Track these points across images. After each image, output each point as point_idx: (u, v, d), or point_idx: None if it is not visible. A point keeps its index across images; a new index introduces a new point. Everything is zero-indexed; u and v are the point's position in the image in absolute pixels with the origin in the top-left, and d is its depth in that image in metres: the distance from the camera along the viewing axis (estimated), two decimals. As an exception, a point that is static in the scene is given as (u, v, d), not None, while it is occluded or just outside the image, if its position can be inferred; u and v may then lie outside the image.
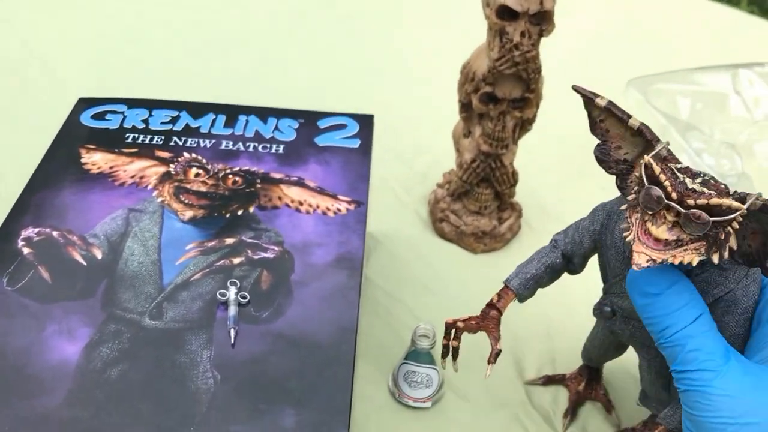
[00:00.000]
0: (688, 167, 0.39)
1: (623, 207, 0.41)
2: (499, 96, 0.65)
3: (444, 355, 0.50)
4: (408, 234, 0.76)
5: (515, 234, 0.76)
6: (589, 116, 0.46)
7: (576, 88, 0.46)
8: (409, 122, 0.89)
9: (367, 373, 0.62)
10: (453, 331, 0.50)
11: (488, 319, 0.49)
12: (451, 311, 0.67)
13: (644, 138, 0.43)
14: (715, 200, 0.37)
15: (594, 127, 0.46)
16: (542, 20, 0.61)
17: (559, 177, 0.83)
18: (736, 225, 0.37)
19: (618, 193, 0.47)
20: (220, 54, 1.00)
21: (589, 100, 0.45)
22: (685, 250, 0.37)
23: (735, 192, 0.38)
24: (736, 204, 0.37)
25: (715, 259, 0.38)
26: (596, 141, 0.46)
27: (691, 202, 0.37)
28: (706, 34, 1.09)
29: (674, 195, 0.38)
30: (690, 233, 0.37)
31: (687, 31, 1.10)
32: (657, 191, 0.38)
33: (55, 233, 0.52)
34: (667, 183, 0.38)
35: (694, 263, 0.37)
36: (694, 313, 0.40)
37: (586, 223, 0.49)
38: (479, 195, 0.72)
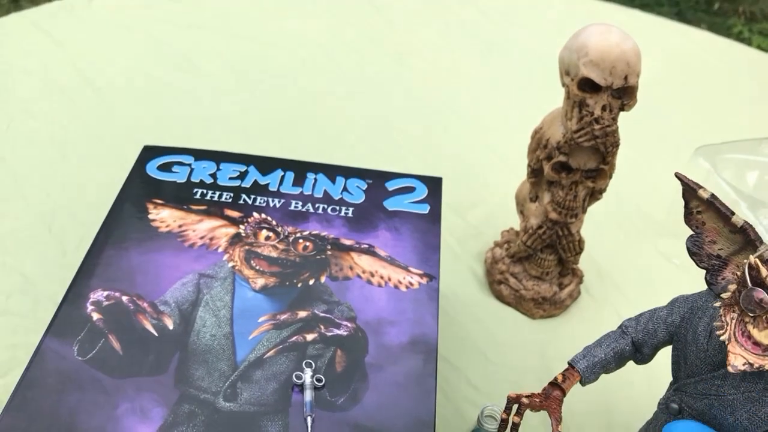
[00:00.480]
0: None
1: (717, 304, 0.40)
2: (574, 166, 0.63)
3: (502, 430, 0.48)
4: (464, 294, 0.74)
5: (575, 300, 0.74)
6: (686, 206, 0.45)
7: (679, 176, 0.45)
8: (461, 174, 0.87)
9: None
10: (516, 406, 0.48)
11: (551, 399, 0.47)
12: (509, 382, 0.66)
13: (746, 237, 0.41)
14: None
15: (689, 218, 0.45)
16: (624, 95, 0.60)
17: (618, 245, 0.81)
18: None
19: (697, 288, 0.46)
20: (273, 93, 0.98)
21: (691, 190, 0.44)
22: None
23: None
24: None
25: None
26: (688, 231, 0.45)
27: None
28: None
29: None
30: None
31: (756, 98, 1.07)
32: (762, 294, 0.37)
33: (124, 298, 0.51)
34: None
35: None
36: None
37: (664, 313, 0.48)
38: (542, 261, 0.71)
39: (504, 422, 0.48)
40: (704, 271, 0.44)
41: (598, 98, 0.59)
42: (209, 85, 0.98)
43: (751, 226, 0.41)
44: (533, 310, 0.72)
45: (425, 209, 0.61)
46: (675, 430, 0.42)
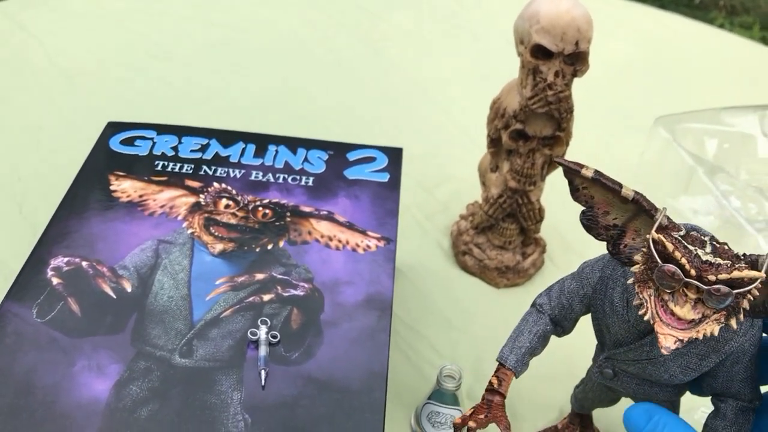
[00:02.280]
0: (690, 231, 0.38)
1: (630, 281, 0.39)
2: (530, 134, 0.65)
3: None
4: (430, 265, 0.75)
5: (538, 269, 0.75)
6: (570, 184, 0.43)
7: (557, 161, 0.43)
8: (430, 151, 0.89)
9: (390, 410, 0.61)
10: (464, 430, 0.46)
11: (494, 408, 0.45)
12: (473, 348, 0.67)
13: (640, 207, 0.40)
14: (736, 274, 0.36)
15: (576, 195, 0.43)
16: (576, 60, 0.61)
17: (579, 213, 0.82)
18: (756, 292, 0.36)
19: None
20: (246, 79, 1.00)
21: (573, 171, 0.41)
22: (707, 323, 0.36)
23: (744, 255, 0.37)
24: (755, 273, 0.36)
25: (734, 324, 0.37)
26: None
27: (711, 277, 0.36)
28: (735, 72, 1.08)
29: (693, 272, 0.36)
30: (713, 306, 0.36)
31: (716, 69, 1.09)
32: (674, 269, 0.37)
33: (84, 263, 0.52)
34: (683, 260, 0.37)
35: (716, 333, 0.36)
36: None
37: (574, 286, 0.46)
38: (504, 230, 0.72)
39: None
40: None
41: (551, 64, 0.61)
42: (180, 70, 0.99)
43: (642, 195, 0.40)
44: (497, 279, 0.73)
45: (385, 178, 0.62)
46: (634, 414, 0.42)
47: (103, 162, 0.60)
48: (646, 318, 0.38)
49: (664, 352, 0.36)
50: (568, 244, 0.78)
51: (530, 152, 0.66)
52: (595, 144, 0.89)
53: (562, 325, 0.47)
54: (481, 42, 1.10)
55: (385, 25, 1.13)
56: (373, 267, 0.55)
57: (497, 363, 0.46)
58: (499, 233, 0.72)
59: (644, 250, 0.39)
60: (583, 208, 0.43)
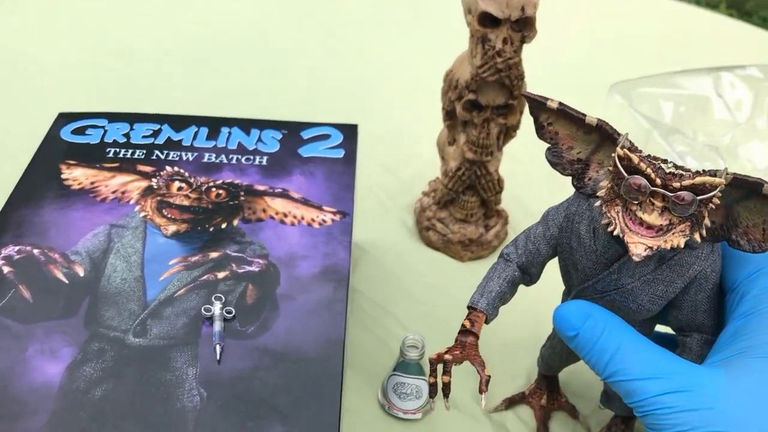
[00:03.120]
0: (650, 155, 0.40)
1: (597, 203, 0.41)
2: (483, 103, 0.65)
3: (433, 394, 0.46)
4: (394, 243, 0.75)
5: (502, 241, 0.75)
6: (536, 121, 0.46)
7: (524, 94, 0.45)
8: (394, 132, 0.89)
9: (355, 385, 0.61)
10: (441, 366, 0.46)
11: (468, 347, 0.46)
12: (439, 321, 0.67)
13: (603, 133, 0.42)
14: (699, 179, 0.38)
15: (542, 132, 0.46)
16: (524, 27, 0.61)
17: (543, 184, 0.82)
18: (716, 200, 0.38)
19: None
20: (201, 65, 1.00)
21: (539, 104, 0.44)
22: (673, 233, 0.38)
23: (704, 171, 0.39)
24: (717, 180, 0.38)
25: (697, 237, 0.39)
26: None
27: (676, 185, 0.38)
28: (687, 38, 1.09)
29: (658, 181, 0.38)
30: (678, 215, 0.38)
31: (669, 36, 1.10)
32: (641, 180, 0.38)
33: (35, 251, 0.52)
34: (648, 170, 0.38)
35: (682, 245, 0.38)
36: (613, 344, 0.42)
37: (540, 230, 0.48)
38: (465, 203, 0.72)
39: (433, 386, 0.46)
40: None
41: (498, 32, 0.61)
42: (137, 62, 0.99)
43: (605, 122, 0.42)
44: (461, 252, 0.73)
45: (340, 154, 0.62)
46: (566, 312, 0.43)
47: (55, 152, 0.60)
48: (615, 233, 0.39)
49: (636, 258, 0.38)
50: (531, 214, 0.78)
51: (485, 122, 0.66)
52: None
53: (530, 272, 0.48)
54: (434, 18, 1.11)
55: (341, 8, 1.13)
56: (329, 240, 0.55)
57: (468, 308, 0.47)
58: (461, 206, 0.72)
59: (610, 168, 0.40)
60: (548, 145, 0.45)
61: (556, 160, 0.45)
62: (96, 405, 0.43)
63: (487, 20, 0.60)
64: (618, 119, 0.76)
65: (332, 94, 0.95)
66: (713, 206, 0.38)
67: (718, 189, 0.38)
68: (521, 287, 0.49)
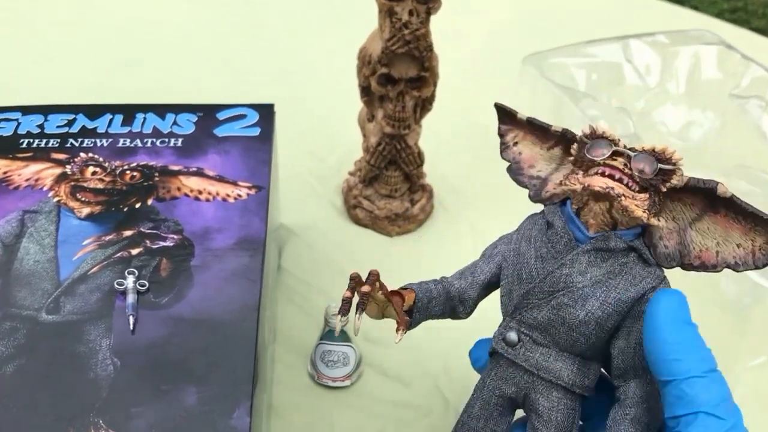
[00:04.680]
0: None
1: (557, 182, 0.43)
2: (396, 76, 0.66)
3: (345, 311, 0.41)
4: (323, 223, 0.76)
5: (428, 215, 0.77)
6: (502, 140, 0.47)
7: (497, 105, 0.47)
8: (320, 118, 0.90)
9: (285, 359, 0.62)
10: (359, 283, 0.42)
11: (394, 303, 0.43)
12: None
13: (566, 140, 0.44)
14: (660, 146, 0.39)
15: (506, 152, 0.47)
16: (429, -2, 0.63)
17: (466, 159, 0.84)
18: (675, 180, 0.38)
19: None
20: (117, 54, 1.00)
21: (509, 116, 0.46)
22: (633, 198, 0.38)
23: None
24: (677, 155, 0.39)
25: (654, 221, 0.39)
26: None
27: (638, 147, 0.39)
28: (597, 10, 1.14)
29: (621, 144, 0.40)
30: (639, 176, 0.38)
31: (579, 8, 1.14)
32: (605, 141, 0.40)
33: (-54, 240, 0.51)
34: (613, 137, 0.40)
35: (638, 215, 0.38)
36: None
37: (488, 251, 0.46)
38: (389, 178, 0.73)
39: (347, 301, 0.41)
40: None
41: (404, 4, 0.62)
42: (56, 58, 0.98)
43: (568, 129, 0.44)
44: (389, 227, 0.74)
45: (256, 132, 0.63)
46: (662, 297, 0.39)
47: (-34, 146, 0.60)
48: (575, 188, 0.39)
49: (598, 189, 0.38)
50: (455, 188, 0.80)
51: (399, 95, 0.67)
52: (470, 86, 0.92)
53: (464, 297, 0.45)
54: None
55: (268, 8, 1.14)
56: (244, 213, 0.55)
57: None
58: (385, 182, 0.74)
59: (573, 154, 0.41)
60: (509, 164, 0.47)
61: (516, 176, 0.47)
62: (8, 380, 0.43)
63: (392, -7, 0.62)
64: (533, 91, 0.78)
65: (254, 86, 0.95)
66: (673, 184, 0.39)
67: (678, 164, 0.38)
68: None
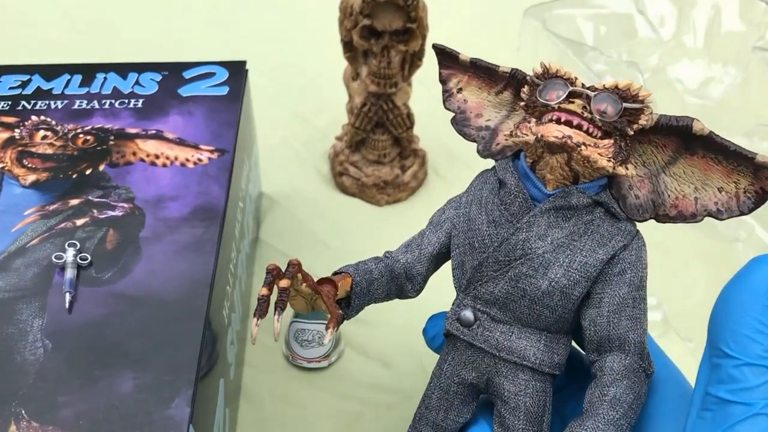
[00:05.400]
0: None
1: (507, 133, 0.36)
2: (379, 29, 0.60)
3: (262, 312, 0.34)
4: (308, 192, 0.71)
5: (421, 182, 0.71)
6: (445, 87, 0.42)
7: (435, 46, 0.41)
8: (310, 79, 0.84)
9: (259, 338, 0.57)
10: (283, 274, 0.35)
11: (323, 285, 0.37)
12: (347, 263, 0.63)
13: (517, 84, 0.38)
14: (624, 82, 0.33)
15: (450, 101, 0.42)
16: (412, -60, 0.57)
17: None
18: (643, 121, 0.33)
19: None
20: (84, 7, 0.95)
21: (450, 57, 0.41)
22: (595, 146, 0.33)
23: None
24: (644, 92, 0.33)
25: (622, 170, 0.34)
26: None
27: (599, 86, 0.34)
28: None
29: (579, 83, 0.34)
30: (600, 119, 0.33)
31: None
32: (561, 81, 0.34)
33: None
34: (568, 75, 0.34)
35: (602, 165, 0.33)
36: None
37: (435, 217, 0.41)
38: (376, 142, 0.68)
39: (264, 299, 0.35)
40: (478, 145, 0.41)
41: (385, -52, 0.56)
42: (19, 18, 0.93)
43: (518, 69, 0.38)
44: (377, 196, 0.69)
45: (224, 91, 0.58)
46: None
47: None
48: (528, 138, 0.34)
49: (553, 140, 0.33)
50: (451, 153, 0.74)
51: (384, 50, 0.62)
52: (466, 40, 0.84)
53: (412, 273, 0.40)
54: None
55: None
56: (203, 179, 0.50)
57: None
58: (372, 147, 0.68)
59: (523, 96, 0.36)
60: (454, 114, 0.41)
61: (461, 128, 0.41)
62: (-75, 366, 0.39)
63: (371, -65, 0.56)
64: (535, 45, 0.71)
65: (239, 42, 0.89)
66: (641, 125, 0.33)
67: (646, 102, 0.33)
68: None
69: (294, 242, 0.65)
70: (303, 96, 0.81)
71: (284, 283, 0.34)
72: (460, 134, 0.41)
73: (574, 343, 0.39)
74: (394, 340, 0.57)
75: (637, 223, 0.36)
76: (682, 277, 0.60)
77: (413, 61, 0.64)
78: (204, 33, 0.92)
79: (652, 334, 0.40)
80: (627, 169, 0.34)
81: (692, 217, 0.35)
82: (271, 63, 0.83)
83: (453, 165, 0.73)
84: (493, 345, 0.37)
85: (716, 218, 0.34)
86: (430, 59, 0.64)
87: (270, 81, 0.81)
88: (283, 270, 0.35)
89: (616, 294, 0.35)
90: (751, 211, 0.33)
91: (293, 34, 0.92)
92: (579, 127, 0.33)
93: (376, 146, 0.68)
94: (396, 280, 0.39)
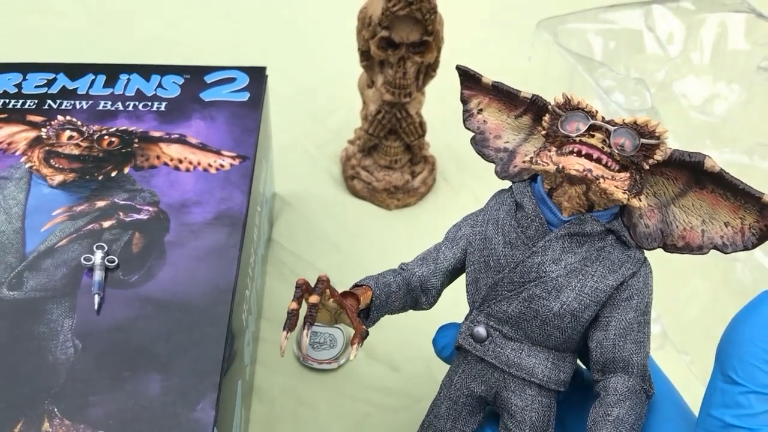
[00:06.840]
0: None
1: (527, 159, 0.37)
2: (397, 40, 0.62)
3: (292, 326, 0.36)
4: (319, 194, 0.73)
5: (430, 188, 0.73)
6: (465, 107, 0.43)
7: (459, 67, 0.43)
8: (322, 80, 0.86)
9: (271, 338, 0.59)
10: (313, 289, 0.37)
11: (348, 299, 0.38)
12: (361, 269, 0.64)
13: (536, 108, 0.40)
14: (642, 119, 0.35)
15: (470, 120, 0.43)
16: (433, -44, 0.58)
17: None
18: (658, 156, 0.35)
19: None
20: (107, 12, 0.96)
21: (472, 79, 0.42)
22: (613, 179, 0.35)
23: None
24: (660, 128, 0.35)
25: (636, 202, 0.35)
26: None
27: (618, 121, 0.35)
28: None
29: (599, 116, 0.36)
30: (619, 153, 0.34)
31: None
32: (582, 114, 0.36)
33: None
34: (589, 107, 0.36)
35: (618, 197, 0.35)
36: None
37: (449, 233, 0.42)
38: (388, 148, 0.69)
39: (293, 313, 0.36)
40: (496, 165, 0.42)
41: (406, -37, 0.58)
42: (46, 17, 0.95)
43: (538, 96, 0.40)
44: (387, 200, 0.71)
45: (244, 97, 0.59)
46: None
47: (-61, 105, 0.56)
48: (549, 168, 0.35)
49: (573, 173, 0.34)
50: (461, 160, 0.76)
51: (400, 61, 0.63)
52: (478, 52, 0.86)
53: (429, 285, 0.41)
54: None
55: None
56: (226, 185, 0.52)
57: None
58: (384, 152, 0.70)
59: (544, 126, 0.37)
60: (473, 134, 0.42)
61: (480, 148, 0.42)
62: (-39, 361, 0.41)
63: (393, -49, 0.57)
64: (546, 57, 0.73)
65: (255, 43, 0.91)
66: (656, 160, 0.35)
67: (662, 138, 0.35)
68: None
69: (305, 243, 0.67)
70: (316, 96, 0.83)
71: (314, 299, 0.36)
72: (479, 154, 0.43)
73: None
74: (403, 344, 0.59)
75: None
76: (681, 291, 0.62)
77: (428, 72, 0.66)
78: (219, 32, 0.93)
79: (651, 346, 0.42)
80: (640, 200, 0.36)
81: (699, 249, 0.36)
82: (285, 62, 0.85)
83: (461, 172, 0.75)
84: (503, 361, 0.39)
85: (721, 251, 0.36)
86: (443, 69, 0.66)
87: (283, 80, 0.82)
88: (312, 285, 0.37)
89: (623, 318, 0.37)
90: (754, 246, 0.35)
91: (307, 34, 0.94)
92: (599, 160, 0.35)
93: (388, 152, 0.69)
94: (412, 293, 0.41)
